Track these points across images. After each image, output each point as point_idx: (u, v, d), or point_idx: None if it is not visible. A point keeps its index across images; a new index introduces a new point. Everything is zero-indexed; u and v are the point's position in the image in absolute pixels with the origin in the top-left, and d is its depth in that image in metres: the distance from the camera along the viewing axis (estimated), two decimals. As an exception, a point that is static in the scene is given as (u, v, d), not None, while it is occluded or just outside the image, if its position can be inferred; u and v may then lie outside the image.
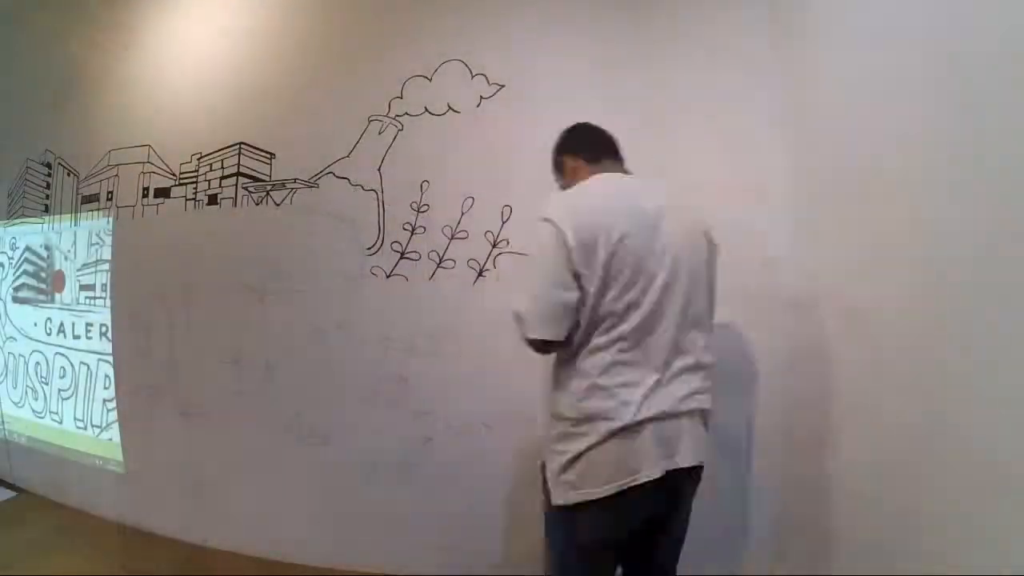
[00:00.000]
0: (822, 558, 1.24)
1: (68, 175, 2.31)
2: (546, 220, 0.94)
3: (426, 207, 1.74)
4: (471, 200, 1.70)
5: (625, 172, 1.10)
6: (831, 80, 1.25)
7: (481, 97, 1.70)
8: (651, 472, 0.86)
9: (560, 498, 0.93)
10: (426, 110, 1.74)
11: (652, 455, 0.87)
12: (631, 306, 0.89)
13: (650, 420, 0.87)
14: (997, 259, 0.76)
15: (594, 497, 0.88)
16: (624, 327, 0.88)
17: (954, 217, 0.85)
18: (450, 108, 1.72)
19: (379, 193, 1.78)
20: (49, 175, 2.37)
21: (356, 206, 1.78)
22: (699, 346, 0.94)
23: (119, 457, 2.17)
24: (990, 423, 0.77)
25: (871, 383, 1.10)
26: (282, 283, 1.88)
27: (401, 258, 1.76)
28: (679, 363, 0.92)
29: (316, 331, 1.84)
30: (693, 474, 0.94)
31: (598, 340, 0.90)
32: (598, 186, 0.99)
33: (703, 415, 0.96)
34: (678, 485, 0.91)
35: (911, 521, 0.93)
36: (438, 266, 1.73)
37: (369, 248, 1.78)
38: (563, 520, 0.94)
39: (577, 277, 0.89)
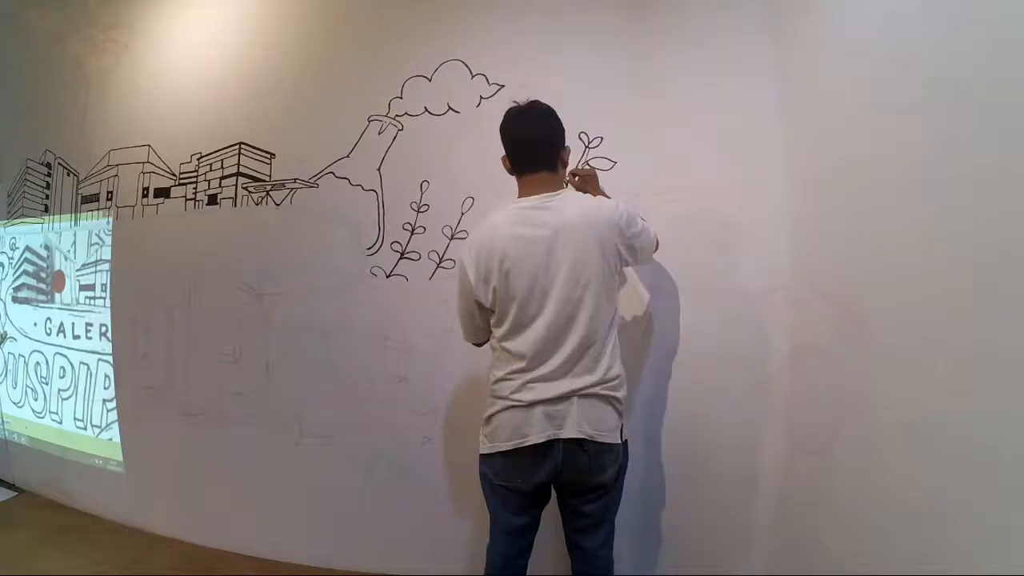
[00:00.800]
0: (822, 558, 1.24)
1: (68, 175, 2.31)
2: (460, 258, 1.21)
3: (426, 207, 1.74)
4: (471, 200, 1.70)
5: (541, 187, 1.18)
6: (831, 80, 1.25)
7: (481, 97, 1.70)
8: (538, 438, 1.12)
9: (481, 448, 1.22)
10: (426, 110, 1.74)
11: (538, 426, 1.12)
12: (531, 317, 1.13)
13: (540, 402, 1.12)
14: (997, 258, 0.76)
15: (499, 450, 1.16)
16: (518, 335, 1.14)
17: (954, 217, 0.85)
18: (450, 108, 1.72)
19: (379, 193, 1.78)
20: (49, 175, 2.38)
21: (356, 206, 1.79)
22: (595, 349, 1.13)
23: (119, 457, 2.17)
24: (990, 423, 0.77)
25: (871, 383, 1.10)
26: (282, 283, 1.88)
27: (401, 258, 1.76)
28: (574, 359, 1.12)
29: (316, 331, 1.84)
30: (586, 446, 1.12)
31: (501, 342, 1.18)
32: (499, 218, 1.18)
33: (604, 399, 1.13)
34: (569, 454, 1.12)
35: (911, 521, 0.93)
36: (438, 266, 1.73)
37: (369, 248, 1.78)
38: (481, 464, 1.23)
39: (479, 304, 1.18)
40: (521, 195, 1.19)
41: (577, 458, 1.12)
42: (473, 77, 1.70)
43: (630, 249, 1.18)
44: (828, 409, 1.23)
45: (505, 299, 1.14)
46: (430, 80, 1.74)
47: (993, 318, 0.76)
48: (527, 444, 1.12)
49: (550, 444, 1.11)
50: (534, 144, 1.19)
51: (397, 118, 1.77)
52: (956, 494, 0.83)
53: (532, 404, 1.12)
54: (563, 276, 1.10)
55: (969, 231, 0.81)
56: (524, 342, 1.13)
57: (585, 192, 1.31)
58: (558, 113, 1.21)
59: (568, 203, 1.15)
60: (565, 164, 1.24)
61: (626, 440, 1.21)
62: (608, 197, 1.30)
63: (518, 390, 1.13)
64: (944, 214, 0.87)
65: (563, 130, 1.21)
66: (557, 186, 1.20)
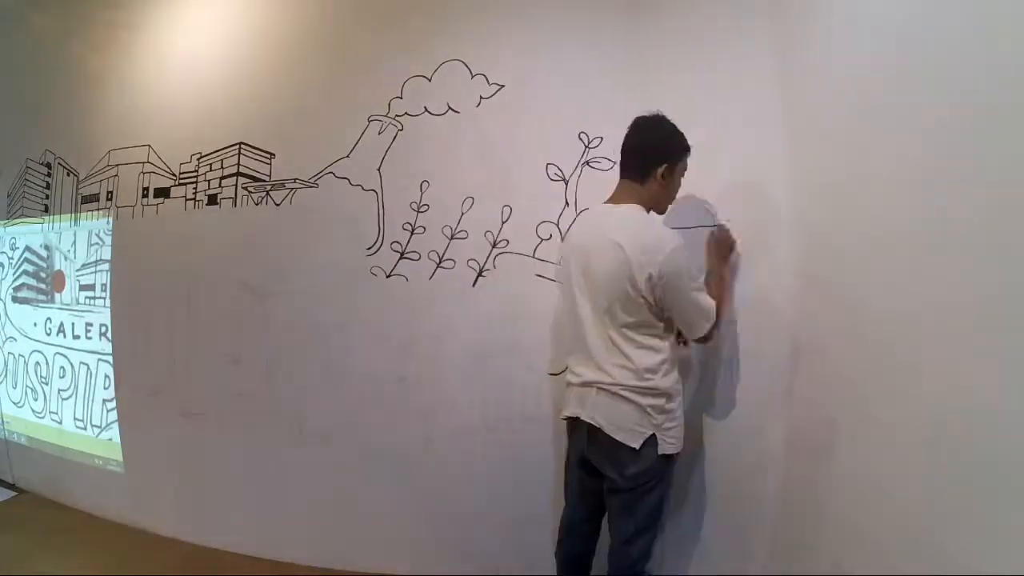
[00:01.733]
0: (822, 558, 1.24)
1: (68, 175, 2.31)
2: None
3: (426, 207, 1.74)
4: (471, 200, 1.70)
5: (620, 195, 1.27)
6: (831, 80, 1.25)
7: (481, 97, 1.70)
8: (569, 412, 1.30)
9: None
10: (426, 110, 1.74)
11: (571, 404, 1.29)
12: (571, 307, 1.28)
13: (573, 385, 1.29)
14: (998, 258, 0.76)
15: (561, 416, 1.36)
16: (569, 320, 1.32)
17: (954, 216, 0.85)
18: (450, 108, 1.72)
19: (379, 193, 1.78)
20: (49, 175, 2.38)
21: (356, 206, 1.78)
22: (620, 354, 1.21)
23: (119, 457, 2.17)
24: (990, 423, 0.77)
25: (871, 382, 1.10)
26: (282, 283, 1.88)
27: (401, 258, 1.76)
28: (600, 355, 1.23)
29: (316, 331, 1.84)
30: (599, 436, 1.21)
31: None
32: (583, 217, 1.42)
33: (625, 400, 1.20)
34: (590, 437, 1.25)
35: (911, 521, 0.93)
36: (438, 266, 1.73)
37: (369, 248, 1.78)
38: None
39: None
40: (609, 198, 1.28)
41: (594, 444, 1.24)
42: (473, 77, 1.70)
43: (661, 307, 1.20)
44: (828, 409, 1.23)
45: (565, 285, 1.31)
46: (430, 80, 1.74)
47: (993, 318, 0.76)
48: (564, 416, 1.32)
49: (576, 421, 1.27)
50: (626, 152, 1.27)
51: (397, 118, 1.77)
52: (956, 494, 0.83)
53: (569, 385, 1.31)
54: (596, 280, 1.21)
55: (969, 231, 0.81)
56: (569, 328, 1.30)
57: (715, 253, 1.41)
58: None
59: (623, 219, 1.21)
60: (663, 179, 1.23)
61: (666, 455, 1.21)
62: (727, 275, 1.41)
63: (567, 371, 1.33)
64: (944, 214, 0.87)
65: (666, 145, 1.24)
66: (638, 198, 1.24)
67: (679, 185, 1.31)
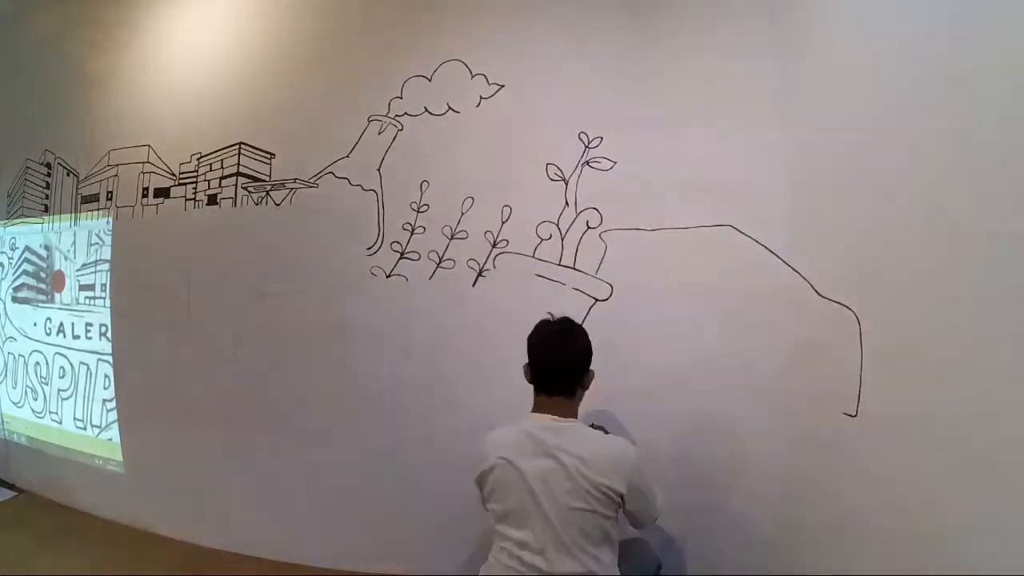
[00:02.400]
0: (822, 558, 1.24)
1: (68, 175, 2.31)
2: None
3: (426, 207, 1.74)
4: (471, 200, 1.70)
5: (555, 409, 1.15)
6: (831, 80, 1.25)
7: (481, 97, 1.70)
8: None
9: None
10: (426, 110, 1.74)
11: None
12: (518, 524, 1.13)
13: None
14: (998, 257, 0.76)
15: None
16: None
17: (954, 216, 0.85)
18: (450, 108, 1.72)
19: (379, 193, 1.78)
20: (49, 175, 2.38)
21: (356, 206, 1.78)
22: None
23: (119, 457, 2.17)
24: (990, 423, 0.77)
25: (871, 382, 1.10)
26: (282, 283, 1.88)
27: (401, 258, 1.76)
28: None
29: (316, 331, 1.84)
30: None
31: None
32: (507, 432, 1.17)
33: None
34: None
35: (911, 521, 0.93)
36: (438, 266, 1.73)
37: (369, 248, 1.78)
38: None
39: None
40: (534, 411, 1.17)
41: None
42: (473, 77, 1.70)
43: (628, 501, 1.09)
44: (828, 409, 1.23)
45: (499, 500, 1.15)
46: (430, 80, 1.74)
47: (993, 318, 0.76)
48: None
49: None
50: (556, 369, 1.17)
51: (397, 118, 1.77)
52: (956, 494, 0.83)
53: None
54: (547, 502, 1.07)
55: (969, 231, 0.81)
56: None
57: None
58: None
59: (575, 438, 1.10)
60: (586, 387, 1.19)
61: None
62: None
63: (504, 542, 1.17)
64: (944, 214, 0.87)
65: (590, 354, 1.18)
66: (571, 412, 1.17)
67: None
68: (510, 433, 1.14)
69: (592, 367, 1.18)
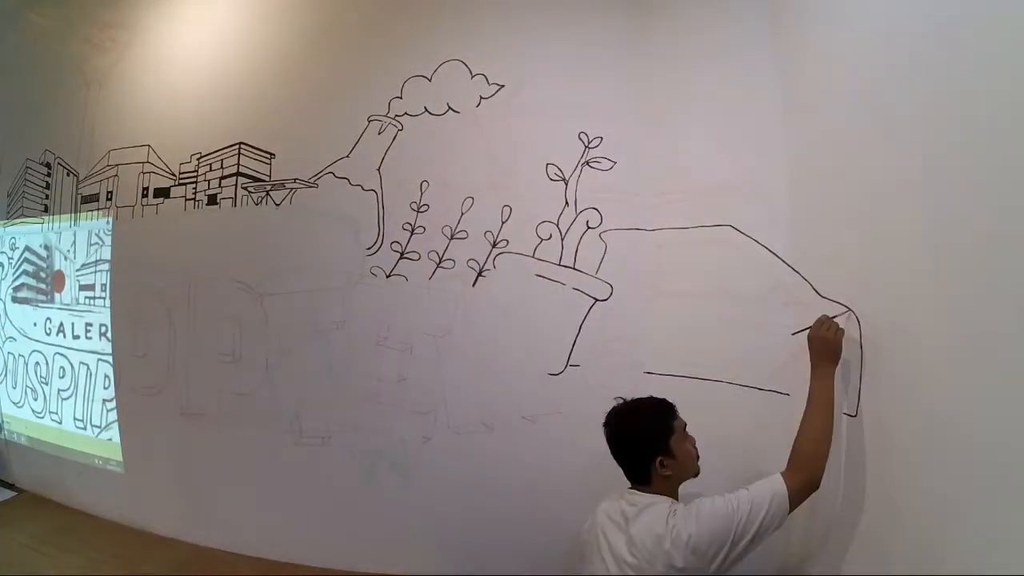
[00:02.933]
0: (822, 558, 1.24)
1: (68, 175, 2.31)
2: None
3: (426, 207, 1.74)
4: (471, 200, 1.70)
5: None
6: (831, 79, 1.25)
7: (481, 97, 1.70)
8: None
9: None
10: (426, 110, 1.74)
11: None
12: None
13: None
14: (998, 257, 0.76)
15: None
16: None
17: (955, 217, 0.85)
18: (450, 108, 1.72)
19: (379, 193, 1.78)
20: (49, 175, 2.37)
21: (356, 206, 1.78)
22: None
23: (119, 457, 2.17)
24: (990, 423, 0.77)
25: (871, 382, 1.10)
26: (282, 283, 1.88)
27: (401, 258, 1.76)
28: None
29: (316, 331, 1.84)
30: None
31: None
32: (606, 504, 1.17)
33: None
34: None
35: (911, 521, 0.94)
36: (438, 266, 1.73)
37: (369, 248, 1.78)
38: None
39: None
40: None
41: None
42: (473, 77, 1.70)
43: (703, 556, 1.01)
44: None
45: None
46: (430, 80, 1.74)
47: (993, 318, 0.76)
48: None
49: None
50: (618, 458, 1.16)
51: (397, 118, 1.76)
52: (956, 494, 0.83)
53: None
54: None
55: (969, 231, 0.81)
56: None
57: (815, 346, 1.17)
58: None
59: (642, 516, 1.07)
60: (668, 469, 1.11)
61: None
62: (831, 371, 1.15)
63: None
64: (943, 214, 0.87)
65: (650, 437, 1.11)
66: (651, 487, 1.12)
67: (689, 447, 1.16)
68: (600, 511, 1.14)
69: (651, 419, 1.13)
